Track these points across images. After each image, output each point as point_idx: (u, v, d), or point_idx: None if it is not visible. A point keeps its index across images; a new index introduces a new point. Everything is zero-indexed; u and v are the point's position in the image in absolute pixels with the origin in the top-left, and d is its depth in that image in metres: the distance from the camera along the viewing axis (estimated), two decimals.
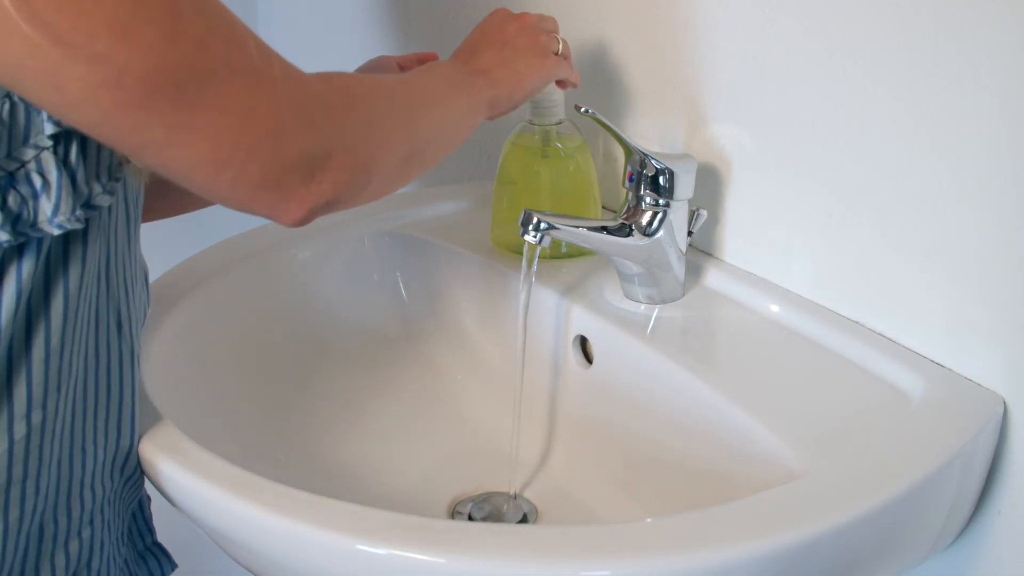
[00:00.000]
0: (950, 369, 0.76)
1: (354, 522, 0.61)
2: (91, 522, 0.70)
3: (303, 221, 0.63)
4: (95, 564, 0.71)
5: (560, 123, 0.95)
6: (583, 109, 0.85)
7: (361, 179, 0.65)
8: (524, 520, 0.86)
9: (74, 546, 0.69)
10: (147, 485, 0.74)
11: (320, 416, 0.94)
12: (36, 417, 0.63)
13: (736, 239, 0.91)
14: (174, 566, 0.81)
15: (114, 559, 0.73)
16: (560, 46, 0.88)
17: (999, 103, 0.69)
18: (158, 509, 0.78)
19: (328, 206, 0.63)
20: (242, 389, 0.90)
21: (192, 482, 0.66)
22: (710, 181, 0.90)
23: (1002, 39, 0.68)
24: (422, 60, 0.95)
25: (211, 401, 0.86)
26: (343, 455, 0.91)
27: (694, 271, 0.91)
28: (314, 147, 0.61)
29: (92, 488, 0.69)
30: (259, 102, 0.58)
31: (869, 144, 0.78)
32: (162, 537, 0.80)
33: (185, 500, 0.68)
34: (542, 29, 0.87)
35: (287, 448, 0.89)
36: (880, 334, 0.80)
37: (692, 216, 0.87)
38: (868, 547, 0.65)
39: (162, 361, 0.81)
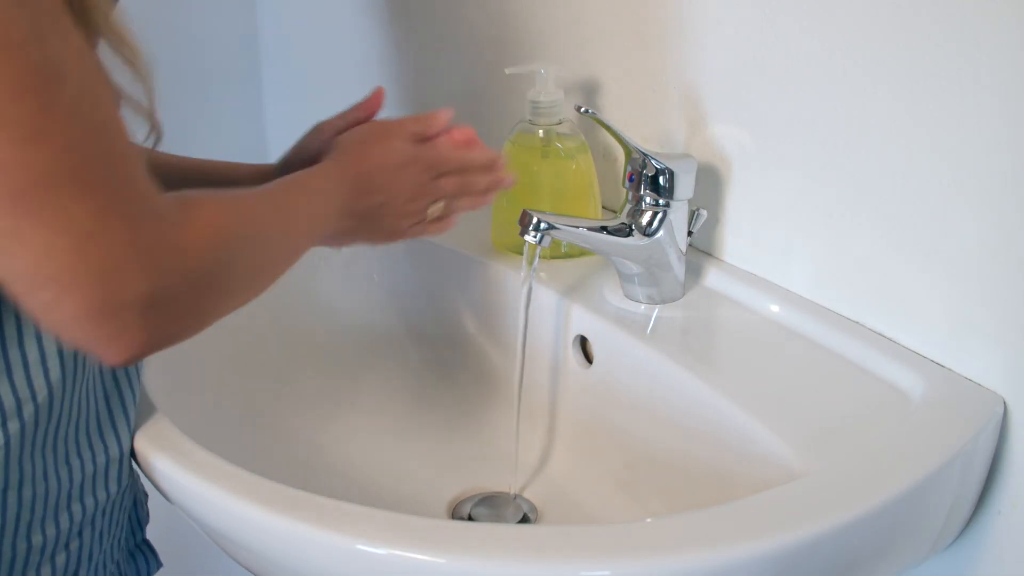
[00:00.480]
0: (950, 369, 0.76)
1: (354, 522, 0.61)
2: (80, 534, 0.69)
3: (125, 363, 0.58)
4: (82, 574, 0.70)
5: (560, 123, 0.95)
6: (583, 109, 0.85)
7: (196, 326, 0.61)
8: (524, 520, 0.86)
9: (61, 558, 0.68)
10: (145, 483, 0.74)
11: (320, 416, 0.94)
12: (12, 426, 0.62)
13: (736, 239, 0.91)
14: (159, 565, 0.80)
15: (104, 566, 0.72)
16: (438, 208, 0.82)
17: (999, 103, 0.69)
18: (156, 508, 0.78)
19: (156, 349, 0.59)
20: (242, 389, 0.90)
21: (192, 482, 0.66)
22: (710, 181, 0.90)
23: (1002, 39, 0.68)
24: (368, 111, 0.86)
25: (211, 401, 0.86)
26: (343, 455, 0.91)
27: (694, 271, 0.91)
28: (153, 292, 0.55)
29: (81, 500, 0.68)
30: (105, 232, 0.53)
31: (869, 144, 0.78)
32: (161, 536, 0.80)
33: (185, 500, 0.68)
34: (431, 193, 0.81)
35: (286, 448, 0.89)
36: (880, 334, 0.80)
37: (692, 216, 0.87)
38: (868, 547, 0.65)
39: (162, 361, 0.80)
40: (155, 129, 0.65)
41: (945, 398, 0.73)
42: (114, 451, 0.70)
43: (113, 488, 0.70)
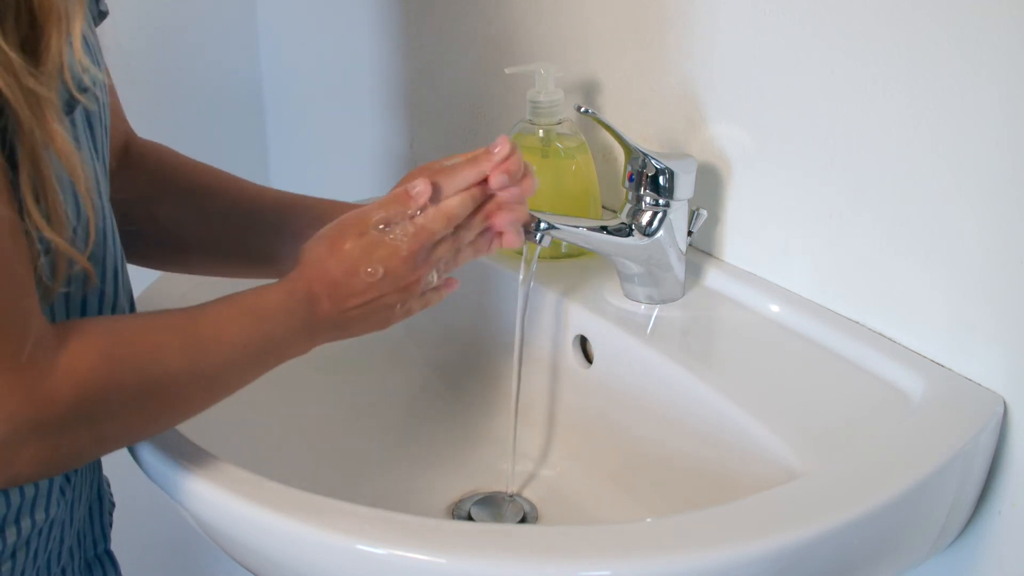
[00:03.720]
0: (950, 369, 0.76)
1: (354, 522, 0.61)
2: (13, 555, 0.67)
3: None
4: None
5: (560, 123, 0.95)
6: (583, 109, 0.85)
7: (57, 470, 0.62)
8: (524, 520, 0.86)
9: None
10: (138, 486, 0.74)
11: (319, 416, 0.94)
12: None
13: (736, 239, 0.91)
14: None
15: None
16: (432, 280, 0.74)
17: (999, 103, 0.69)
18: (158, 508, 0.77)
19: (13, 484, 0.60)
20: (241, 389, 0.90)
21: (192, 482, 0.66)
22: (710, 181, 0.90)
23: (1002, 39, 0.68)
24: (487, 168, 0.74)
25: None
26: (342, 455, 0.91)
27: (694, 271, 0.91)
28: (5, 437, 0.55)
29: (17, 523, 0.66)
30: None
31: (870, 144, 0.78)
32: (162, 536, 0.80)
33: (185, 499, 0.68)
34: (419, 289, 0.73)
35: (286, 448, 0.89)
36: (880, 334, 0.80)
37: (692, 216, 0.87)
38: (868, 547, 0.65)
39: None
40: (87, 272, 0.63)
41: (945, 398, 0.73)
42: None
43: (54, 509, 0.68)
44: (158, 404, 0.63)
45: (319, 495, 0.63)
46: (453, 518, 0.86)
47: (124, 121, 0.82)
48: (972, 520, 0.75)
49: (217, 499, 0.65)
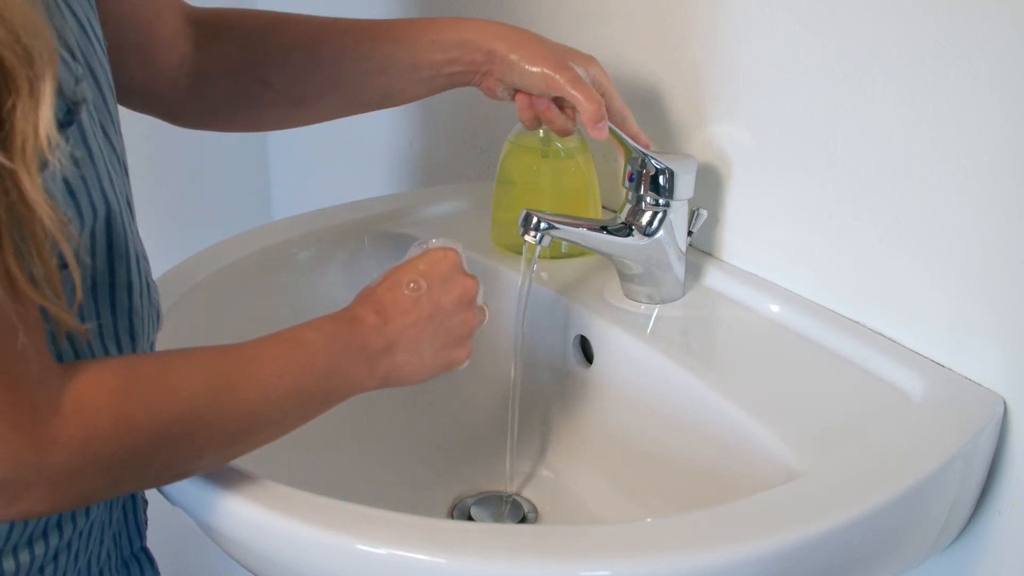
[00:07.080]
0: (950, 369, 0.76)
1: (354, 522, 0.61)
2: (55, 558, 0.66)
3: None
4: None
5: None
6: None
7: (71, 508, 0.59)
8: (524, 520, 0.86)
9: None
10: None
11: (319, 416, 0.94)
12: None
13: (736, 239, 0.91)
14: (156, 574, 0.79)
15: None
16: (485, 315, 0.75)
17: (1000, 103, 0.69)
18: (157, 507, 0.77)
19: (22, 519, 0.59)
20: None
21: (191, 482, 0.66)
22: (710, 181, 0.90)
23: (1003, 39, 0.68)
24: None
25: None
26: (343, 454, 0.91)
27: (694, 271, 0.91)
28: (7, 477, 0.53)
29: (59, 527, 0.66)
30: None
31: (870, 143, 0.78)
32: (162, 537, 0.80)
33: (185, 500, 0.68)
34: (474, 301, 0.74)
35: (286, 447, 0.89)
36: (880, 334, 0.80)
37: (692, 216, 0.87)
38: (868, 547, 0.65)
39: None
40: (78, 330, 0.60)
41: (945, 398, 0.73)
42: None
43: (94, 511, 0.68)
44: (183, 446, 0.60)
45: (319, 495, 0.63)
46: (453, 518, 0.86)
47: (175, 8, 0.79)
48: (972, 520, 0.75)
49: (217, 499, 0.65)
